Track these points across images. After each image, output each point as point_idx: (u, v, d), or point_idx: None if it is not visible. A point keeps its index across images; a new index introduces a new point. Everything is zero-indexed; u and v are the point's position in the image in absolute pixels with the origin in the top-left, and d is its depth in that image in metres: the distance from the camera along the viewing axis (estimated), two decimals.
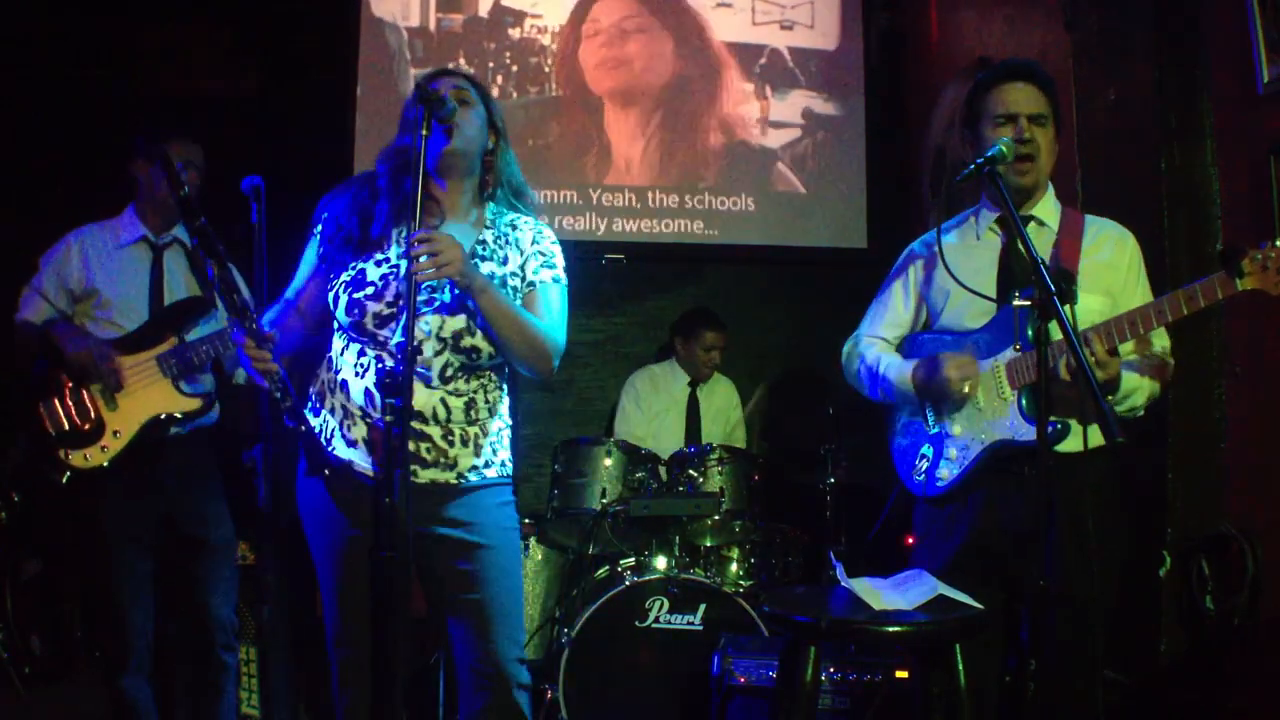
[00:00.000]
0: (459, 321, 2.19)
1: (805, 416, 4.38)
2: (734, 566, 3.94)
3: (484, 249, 2.30)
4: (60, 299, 2.90)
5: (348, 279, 2.21)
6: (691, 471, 3.82)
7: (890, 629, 2.12)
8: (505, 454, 2.35)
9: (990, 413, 2.36)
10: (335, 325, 2.27)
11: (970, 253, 2.47)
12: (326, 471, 2.17)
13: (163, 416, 2.83)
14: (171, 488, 2.88)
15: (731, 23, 5.06)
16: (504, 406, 2.36)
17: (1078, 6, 3.55)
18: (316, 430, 2.25)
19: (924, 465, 2.47)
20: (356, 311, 2.18)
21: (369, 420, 2.19)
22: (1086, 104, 3.48)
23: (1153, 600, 3.06)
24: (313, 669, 3.56)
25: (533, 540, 3.82)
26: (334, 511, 2.23)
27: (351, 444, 2.21)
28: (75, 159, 4.36)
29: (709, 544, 3.94)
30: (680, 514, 3.64)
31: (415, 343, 2.14)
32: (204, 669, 2.94)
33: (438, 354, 2.19)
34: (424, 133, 2.07)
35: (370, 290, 2.18)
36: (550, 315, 2.29)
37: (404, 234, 2.19)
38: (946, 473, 2.41)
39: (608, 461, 3.84)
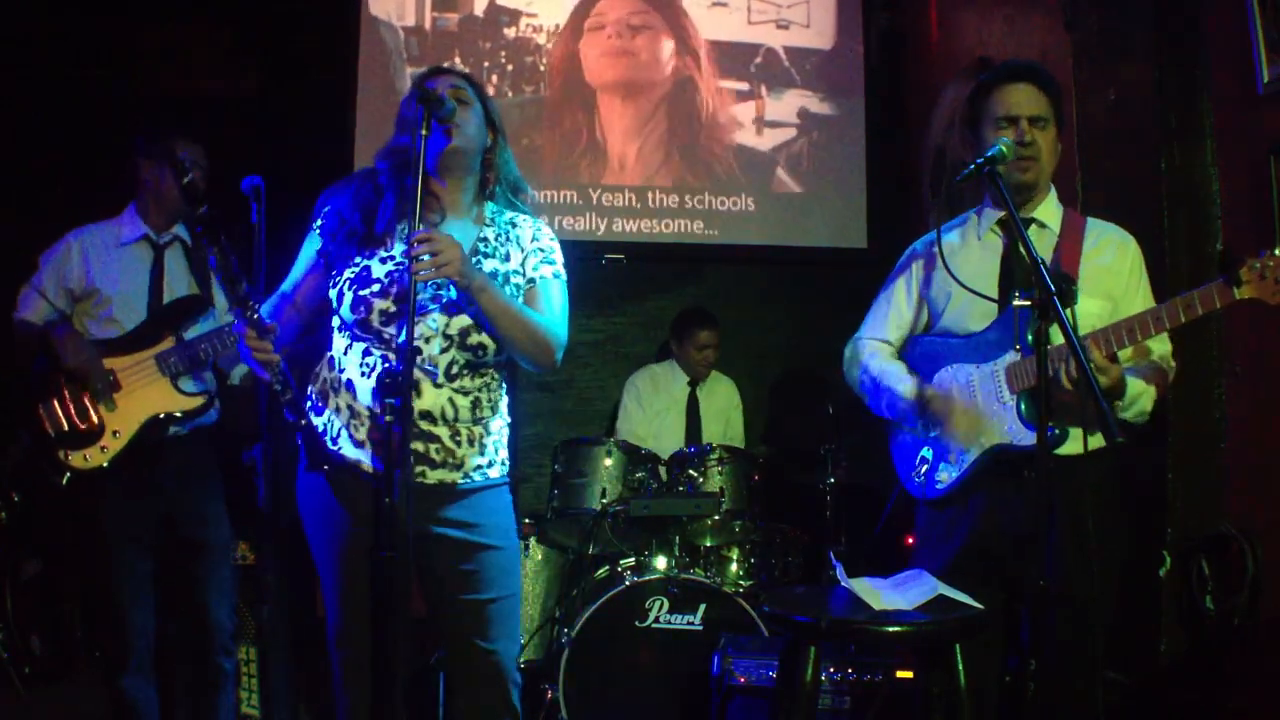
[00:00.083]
0: (465, 319, 2.19)
1: (805, 416, 4.38)
2: (734, 566, 3.94)
3: (485, 246, 2.30)
4: (60, 298, 2.90)
5: (352, 275, 2.21)
6: (691, 471, 3.82)
7: (890, 629, 2.12)
8: (505, 453, 2.36)
9: (990, 417, 2.36)
10: (337, 323, 2.27)
11: (972, 254, 2.47)
12: (326, 467, 2.17)
13: (161, 416, 2.83)
14: (171, 488, 2.88)
15: (727, 22, 5.06)
16: (504, 405, 2.37)
17: (1078, 6, 3.55)
18: (320, 429, 2.25)
19: (924, 468, 2.47)
20: (362, 309, 2.17)
21: (377, 420, 2.19)
22: (1086, 104, 3.48)
23: (1153, 600, 3.05)
24: (313, 669, 3.56)
25: (533, 540, 3.82)
26: (336, 508, 2.23)
27: (359, 444, 2.21)
28: (75, 159, 4.36)
29: (709, 544, 3.94)
30: (680, 514, 3.64)
31: (419, 341, 2.16)
32: (203, 670, 2.94)
33: (444, 351, 2.19)
34: (423, 133, 2.07)
35: (376, 287, 2.18)
36: (551, 310, 2.30)
37: (407, 231, 2.19)
38: (946, 475, 2.41)
39: (608, 461, 3.84)
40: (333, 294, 2.24)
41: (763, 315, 5.15)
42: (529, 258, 2.33)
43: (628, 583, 3.45)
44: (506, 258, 2.31)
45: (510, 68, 4.97)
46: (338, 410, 2.24)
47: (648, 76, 4.98)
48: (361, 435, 2.20)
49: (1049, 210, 2.44)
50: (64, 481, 2.76)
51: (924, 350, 2.52)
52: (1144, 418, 2.33)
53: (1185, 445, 3.08)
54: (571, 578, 3.84)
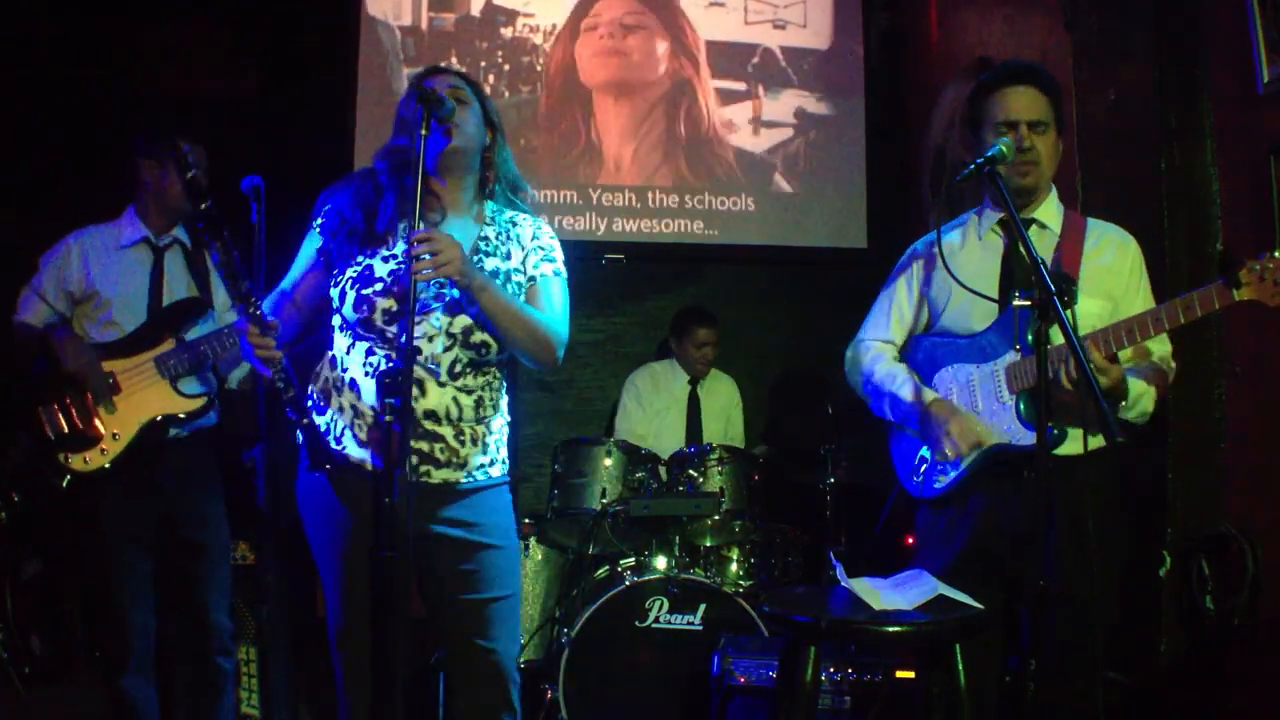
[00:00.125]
0: (468, 318, 2.20)
1: (805, 416, 4.38)
2: (734, 566, 3.94)
3: (487, 245, 2.30)
4: (59, 300, 2.90)
5: (354, 275, 2.21)
6: (691, 471, 3.82)
7: (890, 629, 2.12)
8: (505, 451, 2.36)
9: (988, 417, 2.36)
10: (339, 323, 2.26)
11: (972, 254, 2.47)
12: (329, 467, 2.17)
13: (161, 418, 2.83)
14: (171, 489, 2.87)
15: (724, 22, 5.06)
16: (504, 403, 2.37)
17: (1078, 6, 3.55)
18: (323, 429, 2.25)
19: (923, 468, 2.47)
20: (365, 308, 2.17)
21: (380, 419, 2.19)
22: (1086, 104, 3.48)
23: (1153, 600, 3.05)
24: (313, 669, 3.56)
25: (533, 540, 3.82)
26: (338, 508, 2.22)
27: (363, 444, 2.21)
28: (75, 159, 4.36)
29: (709, 544, 3.94)
30: (680, 514, 3.64)
31: (422, 340, 2.17)
32: (203, 670, 2.94)
33: (447, 350, 2.20)
34: (423, 133, 2.07)
35: (379, 286, 2.18)
36: (552, 307, 2.30)
37: (408, 230, 2.19)
38: (945, 475, 2.41)
39: (608, 461, 3.84)
40: (335, 293, 2.24)
41: (763, 315, 5.15)
42: (529, 256, 2.33)
43: (628, 583, 3.45)
44: (508, 256, 2.31)
45: (507, 68, 4.97)
46: (341, 409, 2.24)
47: (641, 77, 4.98)
48: (365, 435, 2.20)
49: (1050, 211, 2.44)
50: (64, 484, 2.76)
51: (925, 350, 2.52)
52: (1145, 418, 2.33)
53: (1185, 445, 3.08)
54: (571, 578, 3.84)
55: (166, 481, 2.86)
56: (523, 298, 2.30)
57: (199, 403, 2.87)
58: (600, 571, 3.82)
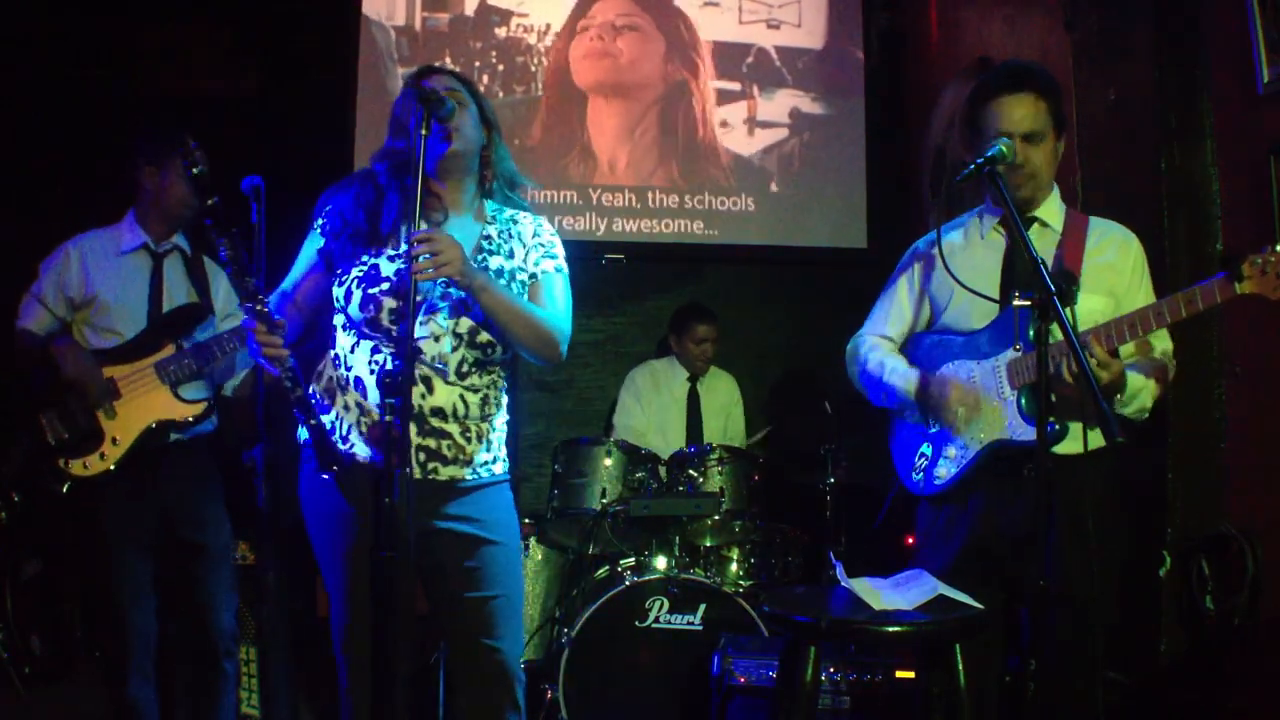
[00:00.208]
0: (475, 317, 2.20)
1: (805, 416, 4.38)
2: (734, 566, 3.94)
3: (490, 244, 2.31)
4: (60, 306, 2.90)
5: (360, 274, 2.21)
6: (691, 471, 3.82)
7: (890, 629, 2.12)
8: (505, 450, 2.37)
9: (990, 412, 2.36)
10: (343, 322, 2.27)
11: (974, 253, 2.47)
12: (336, 468, 2.17)
13: (161, 423, 2.83)
14: (171, 492, 2.88)
15: (718, 22, 5.06)
16: (505, 401, 2.38)
17: (1078, 6, 3.55)
18: (328, 428, 2.25)
19: (922, 463, 2.47)
20: (371, 307, 2.17)
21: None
22: (1086, 104, 3.48)
23: (1153, 600, 3.06)
24: (313, 669, 3.56)
25: (533, 540, 3.82)
26: (344, 508, 2.22)
27: (369, 442, 2.21)
28: (75, 159, 4.36)
29: (709, 544, 3.94)
30: (680, 514, 3.64)
31: (429, 339, 2.17)
32: (203, 671, 2.93)
33: (454, 350, 2.20)
34: (424, 133, 2.07)
35: (385, 285, 2.18)
36: (554, 303, 2.31)
37: (410, 230, 2.19)
38: (945, 471, 2.41)
39: (608, 461, 3.84)
40: (339, 292, 2.24)
41: (763, 315, 5.15)
42: (530, 253, 2.34)
43: (628, 583, 3.45)
44: (511, 255, 2.31)
45: (501, 68, 4.97)
46: (346, 408, 2.24)
47: (631, 78, 4.98)
48: (370, 433, 2.20)
49: (1051, 210, 2.44)
50: (64, 489, 2.76)
51: (926, 347, 2.53)
52: (1144, 414, 2.33)
53: (1185, 445, 3.08)
54: (571, 578, 3.84)
55: (166, 484, 2.86)
56: (526, 295, 2.30)
57: (199, 408, 2.87)
58: (600, 571, 3.82)
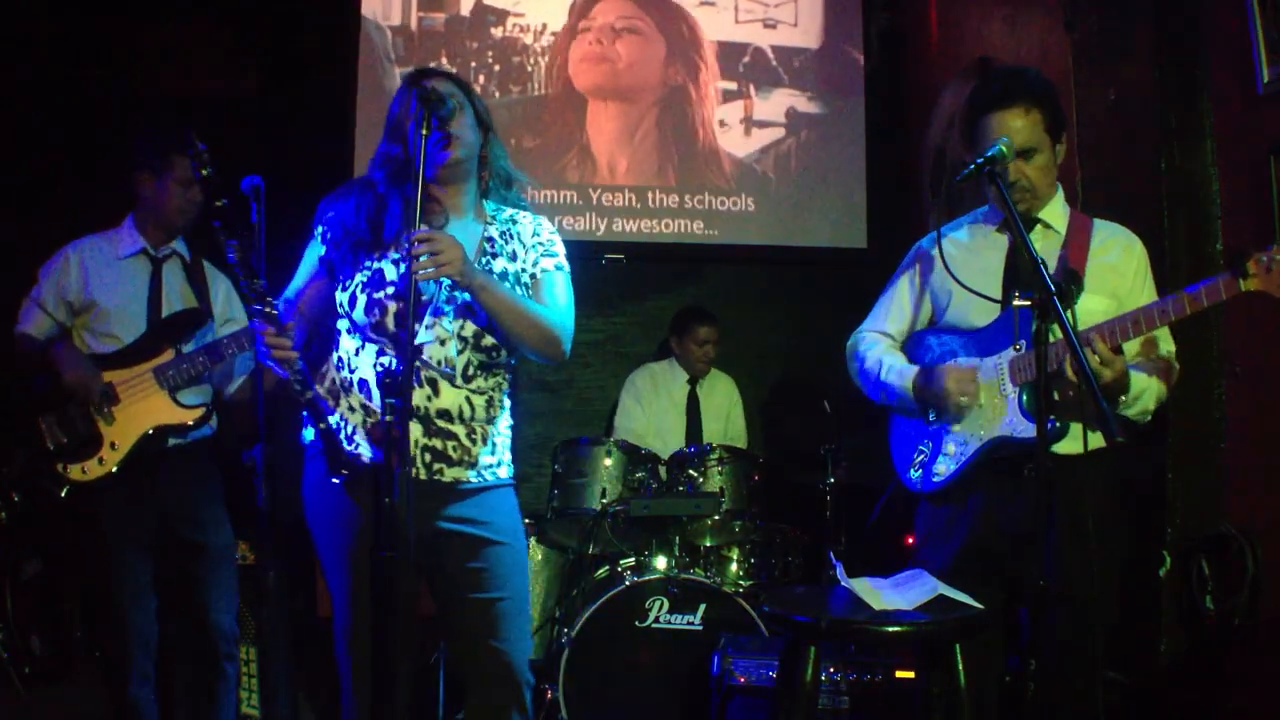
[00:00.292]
0: (480, 321, 2.21)
1: (805, 416, 4.38)
2: (734, 566, 3.94)
3: (493, 246, 2.31)
4: (59, 311, 2.90)
5: (364, 280, 2.21)
6: (691, 471, 3.82)
7: (890, 629, 2.12)
8: (510, 455, 2.37)
9: (990, 409, 2.36)
10: (347, 326, 2.27)
11: (978, 252, 2.47)
12: (346, 472, 2.16)
13: (159, 428, 2.82)
14: (171, 494, 2.88)
15: (715, 21, 5.06)
16: (509, 404, 2.38)
17: (1078, 6, 3.55)
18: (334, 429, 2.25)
19: (921, 460, 2.47)
20: (377, 311, 2.18)
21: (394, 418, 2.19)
22: (1086, 104, 3.48)
23: (1153, 600, 3.06)
24: (313, 669, 3.56)
25: (533, 540, 3.82)
26: (350, 508, 2.22)
27: (373, 443, 2.21)
28: (75, 160, 4.36)
29: (709, 544, 3.94)
30: (680, 514, 3.64)
31: (434, 343, 2.18)
32: (204, 671, 2.93)
33: (460, 353, 2.21)
34: (424, 133, 2.06)
35: (390, 290, 2.19)
36: (555, 301, 2.31)
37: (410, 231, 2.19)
38: (944, 468, 2.41)
39: (608, 461, 3.84)
40: (343, 298, 2.24)
41: (763, 315, 5.15)
42: (530, 253, 2.34)
43: (628, 583, 3.45)
44: (513, 256, 2.32)
45: (497, 68, 4.97)
46: (351, 409, 2.25)
47: (629, 82, 4.98)
48: (376, 435, 2.21)
49: (1055, 212, 2.43)
50: (63, 494, 2.76)
51: (928, 344, 2.53)
52: (1146, 416, 2.33)
53: (1185, 445, 3.08)
54: (571, 578, 3.84)
55: (165, 488, 2.86)
56: (529, 296, 2.30)
57: (197, 413, 2.87)
58: (600, 571, 3.82)
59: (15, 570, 3.90)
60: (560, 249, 2.37)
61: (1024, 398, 2.31)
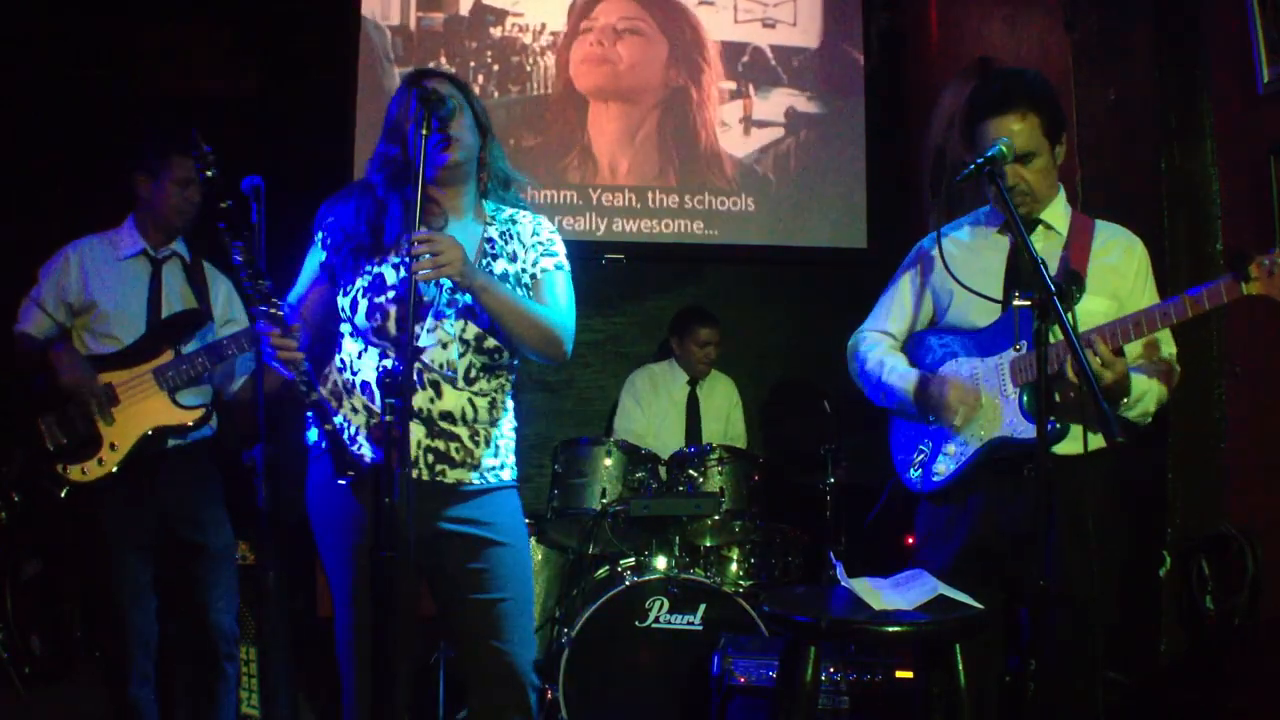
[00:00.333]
0: (482, 323, 2.21)
1: (805, 416, 4.38)
2: (734, 566, 3.94)
3: (493, 247, 2.31)
4: (59, 311, 2.90)
5: (365, 284, 2.22)
6: (691, 471, 3.82)
7: (890, 629, 2.12)
8: (513, 458, 2.37)
9: (991, 409, 2.36)
10: (349, 330, 2.27)
11: (979, 252, 2.47)
12: (352, 473, 2.15)
13: (158, 429, 2.83)
14: (170, 495, 2.88)
15: (713, 21, 5.05)
16: (511, 405, 2.38)
17: (1078, 6, 3.55)
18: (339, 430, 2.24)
19: (921, 459, 2.47)
20: (378, 315, 2.18)
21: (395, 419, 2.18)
22: (1086, 104, 3.48)
23: (1153, 600, 3.06)
24: (313, 669, 3.56)
25: (533, 540, 3.82)
26: (354, 509, 2.22)
27: (375, 444, 2.20)
28: (75, 160, 4.36)
29: (709, 544, 3.94)
30: (680, 514, 3.64)
31: (436, 347, 2.18)
32: (204, 672, 2.93)
33: (462, 355, 2.21)
34: (424, 133, 2.06)
35: (391, 294, 2.19)
36: (556, 301, 2.31)
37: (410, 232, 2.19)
38: (944, 468, 2.41)
39: (608, 461, 3.84)
40: (345, 302, 2.24)
41: (763, 315, 5.15)
42: (530, 253, 2.34)
43: (628, 583, 3.45)
44: (513, 256, 2.31)
45: (496, 68, 4.97)
46: (354, 410, 2.25)
47: (630, 84, 4.97)
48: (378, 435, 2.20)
49: (1056, 213, 2.43)
50: (63, 494, 2.76)
51: (929, 344, 2.53)
52: (1147, 418, 2.33)
53: (1185, 445, 3.08)
54: (571, 578, 3.84)
55: (165, 489, 2.87)
56: (530, 296, 2.30)
57: (197, 414, 2.88)
58: (600, 571, 3.82)
59: (15, 570, 3.90)
60: (560, 248, 2.36)
61: (1024, 398, 2.31)
